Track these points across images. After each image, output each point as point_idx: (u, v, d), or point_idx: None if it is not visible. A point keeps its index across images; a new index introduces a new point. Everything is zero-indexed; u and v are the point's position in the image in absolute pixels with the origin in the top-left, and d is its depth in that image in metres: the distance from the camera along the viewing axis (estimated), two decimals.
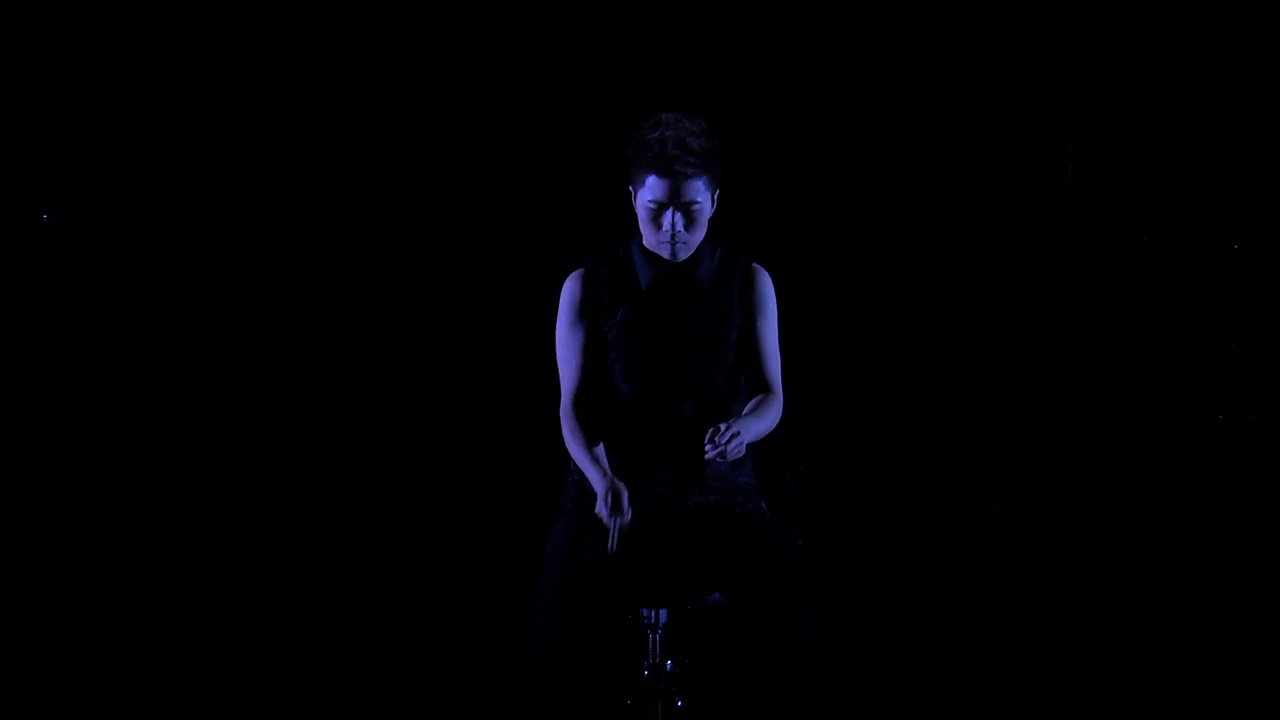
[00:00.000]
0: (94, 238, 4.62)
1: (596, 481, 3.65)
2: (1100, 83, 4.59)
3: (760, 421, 3.70)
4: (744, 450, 3.59)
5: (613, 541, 3.55)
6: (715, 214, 3.79)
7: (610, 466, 3.71)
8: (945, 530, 4.67)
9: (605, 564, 3.59)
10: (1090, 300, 4.59)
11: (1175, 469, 4.58)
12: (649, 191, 3.66)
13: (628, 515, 3.57)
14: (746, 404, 3.77)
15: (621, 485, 3.61)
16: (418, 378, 4.72)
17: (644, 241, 3.78)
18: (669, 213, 3.67)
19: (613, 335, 3.75)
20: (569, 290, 3.80)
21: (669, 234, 3.68)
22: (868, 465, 4.69)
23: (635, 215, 3.75)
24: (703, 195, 3.68)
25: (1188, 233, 4.61)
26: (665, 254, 3.73)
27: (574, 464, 3.81)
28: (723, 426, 3.54)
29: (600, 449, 3.71)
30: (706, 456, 3.53)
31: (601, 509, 3.59)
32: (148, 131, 4.63)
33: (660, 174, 3.63)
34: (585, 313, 3.78)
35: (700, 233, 3.73)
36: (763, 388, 3.79)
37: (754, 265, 3.83)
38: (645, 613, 3.64)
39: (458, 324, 4.73)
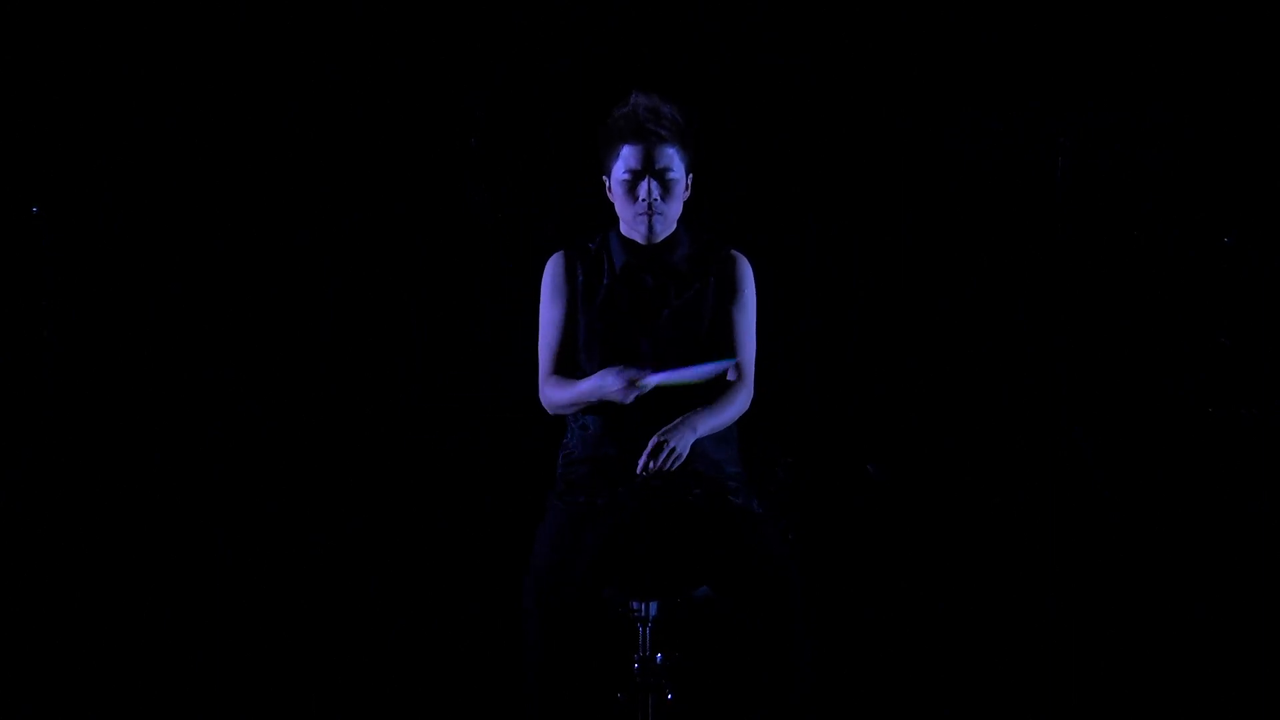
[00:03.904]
0: (87, 231, 4.63)
1: (597, 384, 3.61)
2: (1092, 74, 4.58)
3: (716, 415, 3.68)
4: (686, 455, 3.59)
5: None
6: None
7: (595, 454, 3.71)
8: (938, 523, 4.65)
9: (595, 554, 3.60)
10: (1081, 293, 4.58)
11: (1167, 462, 4.56)
12: (623, 162, 3.69)
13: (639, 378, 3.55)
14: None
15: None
16: (408, 373, 4.73)
17: (621, 221, 3.79)
18: (644, 183, 3.68)
19: (588, 320, 3.75)
20: (549, 271, 3.82)
21: (645, 205, 3.69)
22: (859, 458, 4.68)
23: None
24: (677, 166, 3.69)
25: (1179, 225, 4.60)
26: (642, 228, 3.73)
27: (563, 457, 3.80)
28: (655, 442, 3.54)
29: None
30: (638, 472, 3.54)
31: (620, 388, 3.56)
32: (139, 125, 4.65)
33: (634, 140, 3.66)
34: (565, 293, 3.78)
35: (676, 207, 3.73)
36: (731, 373, 3.77)
37: (733, 252, 3.82)
38: (635, 606, 3.64)
39: (447, 318, 4.73)
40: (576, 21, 4.72)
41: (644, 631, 3.65)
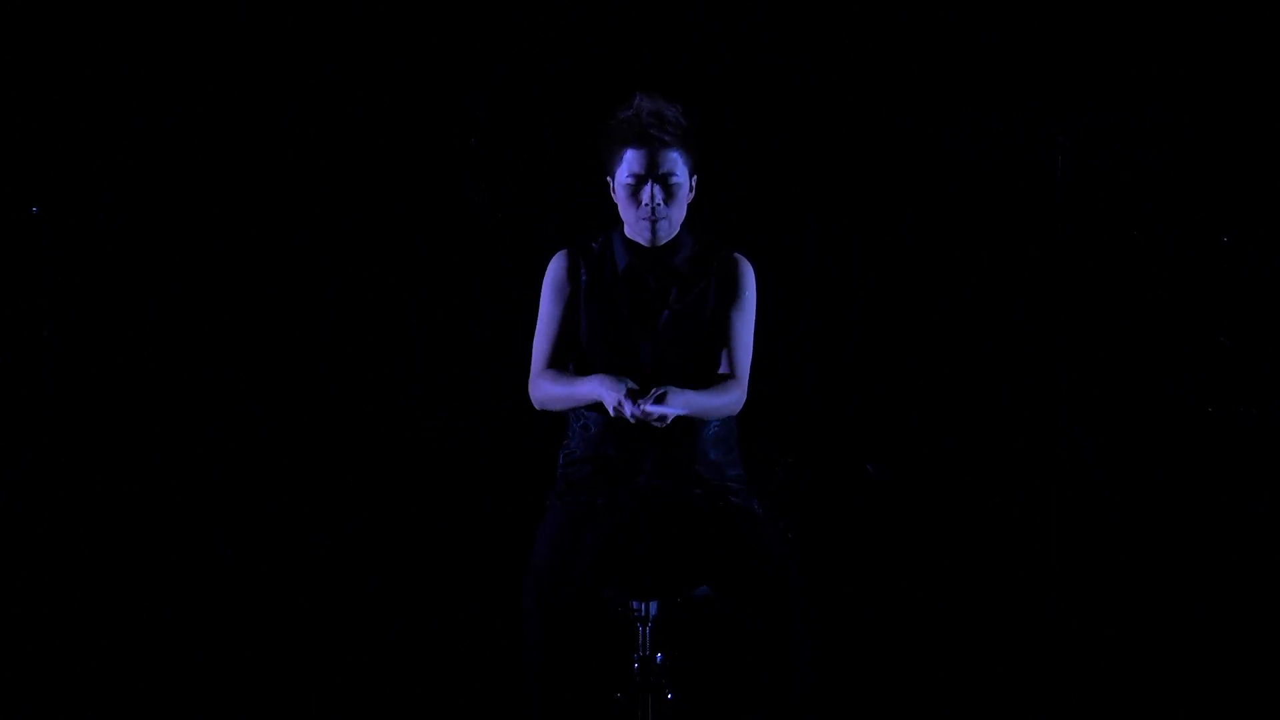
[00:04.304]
0: (87, 231, 4.64)
1: (594, 388, 3.58)
2: (1092, 74, 4.58)
3: (709, 398, 3.63)
4: (669, 420, 3.53)
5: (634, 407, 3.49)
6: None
7: (596, 454, 3.71)
8: (938, 523, 4.65)
9: (595, 554, 3.60)
10: (1081, 293, 4.58)
11: (1167, 462, 4.56)
12: (626, 166, 3.67)
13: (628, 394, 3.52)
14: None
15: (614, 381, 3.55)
16: (408, 373, 4.73)
17: (625, 225, 3.78)
18: (647, 186, 3.67)
19: (590, 321, 3.74)
20: (552, 268, 3.80)
21: (649, 209, 3.68)
22: (859, 458, 4.68)
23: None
24: (680, 170, 3.68)
25: (1179, 225, 4.60)
26: (645, 233, 3.72)
27: (563, 457, 3.79)
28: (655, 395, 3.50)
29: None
30: (626, 412, 3.49)
31: (621, 401, 3.51)
32: (139, 125, 4.65)
33: (637, 145, 3.65)
34: (566, 291, 3.77)
35: (679, 211, 3.72)
36: (726, 374, 3.73)
37: (735, 255, 3.80)
38: (635, 605, 3.64)
39: (447, 318, 4.73)
40: (576, 21, 4.72)
41: (644, 631, 3.64)
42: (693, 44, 4.70)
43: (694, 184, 3.74)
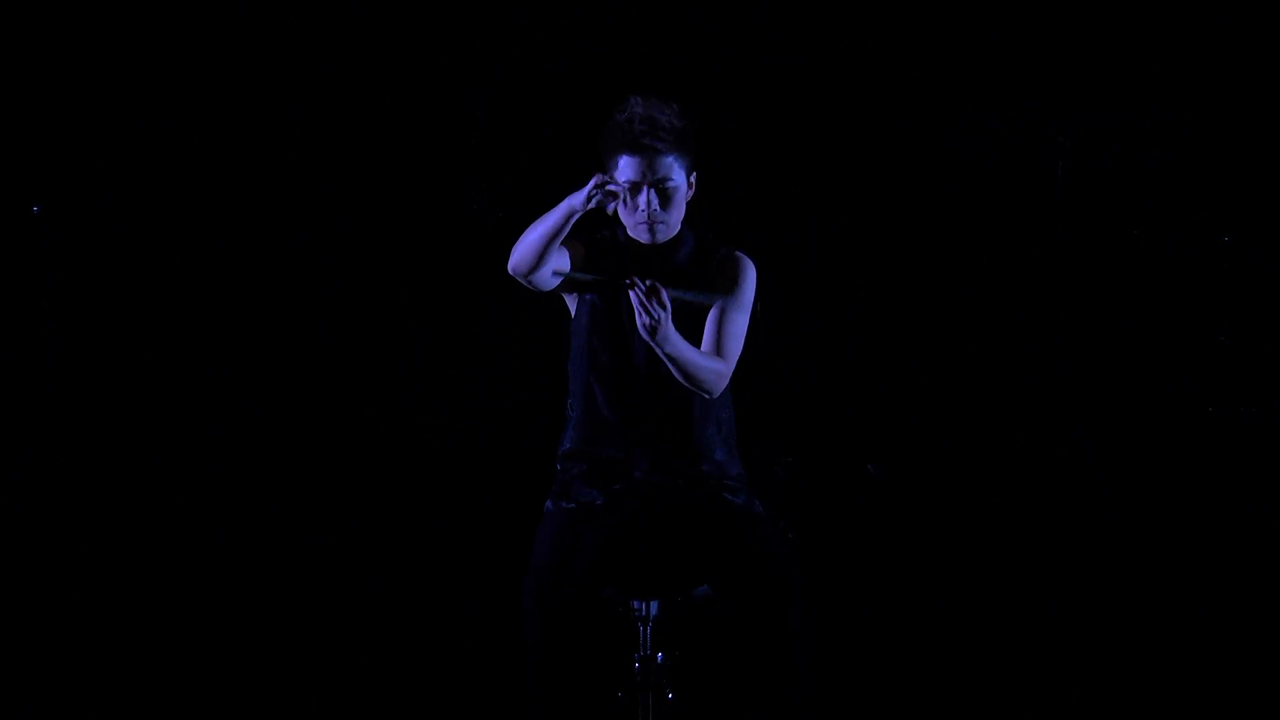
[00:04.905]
0: (87, 231, 4.64)
1: (563, 203, 3.56)
2: (1092, 74, 4.58)
3: (695, 355, 3.57)
4: (662, 325, 3.48)
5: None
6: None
7: (591, 451, 3.70)
8: (938, 523, 4.65)
9: (594, 555, 3.60)
10: (1081, 293, 4.58)
11: (1167, 462, 4.56)
12: (622, 173, 3.66)
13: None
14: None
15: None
16: (408, 373, 4.73)
17: (626, 228, 3.77)
18: (644, 192, 3.66)
19: (587, 316, 3.74)
20: None
21: (645, 214, 3.67)
22: (859, 458, 4.68)
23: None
24: (676, 173, 3.67)
25: (1179, 225, 4.60)
26: (645, 236, 3.71)
27: (560, 454, 3.78)
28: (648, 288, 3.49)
29: None
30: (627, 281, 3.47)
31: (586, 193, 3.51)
32: (140, 125, 4.66)
33: (630, 152, 3.63)
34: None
35: (677, 213, 3.72)
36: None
37: (736, 253, 3.78)
38: (635, 605, 3.64)
39: (447, 318, 4.73)
40: (576, 21, 4.72)
41: (644, 631, 3.65)
42: (693, 44, 4.70)
43: (693, 181, 3.73)
